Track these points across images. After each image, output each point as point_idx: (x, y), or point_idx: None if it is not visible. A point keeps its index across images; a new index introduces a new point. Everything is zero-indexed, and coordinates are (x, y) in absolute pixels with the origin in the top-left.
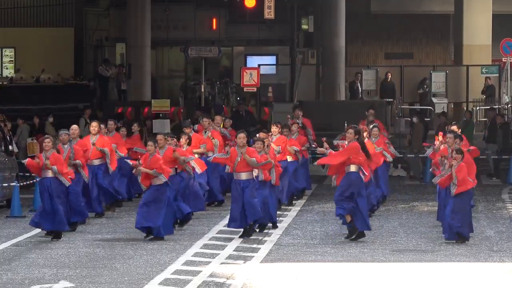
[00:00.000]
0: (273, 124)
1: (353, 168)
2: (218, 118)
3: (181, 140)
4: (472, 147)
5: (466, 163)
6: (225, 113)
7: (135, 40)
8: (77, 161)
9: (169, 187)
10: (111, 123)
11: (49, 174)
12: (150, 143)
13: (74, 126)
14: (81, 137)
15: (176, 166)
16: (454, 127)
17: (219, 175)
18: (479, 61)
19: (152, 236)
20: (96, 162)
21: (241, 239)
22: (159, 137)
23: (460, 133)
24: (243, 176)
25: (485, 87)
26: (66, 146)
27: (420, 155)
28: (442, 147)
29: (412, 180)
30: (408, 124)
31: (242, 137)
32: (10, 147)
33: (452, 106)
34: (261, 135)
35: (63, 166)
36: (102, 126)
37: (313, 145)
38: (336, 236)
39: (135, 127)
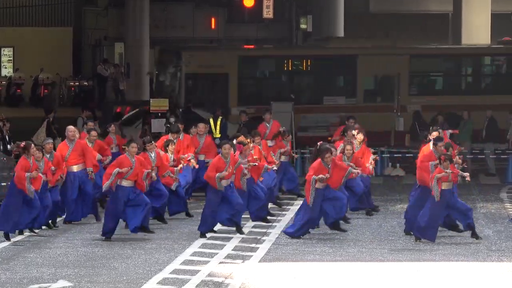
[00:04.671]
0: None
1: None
2: (201, 126)
3: (169, 147)
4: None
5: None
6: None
7: (134, 40)
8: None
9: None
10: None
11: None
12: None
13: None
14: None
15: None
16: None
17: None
18: None
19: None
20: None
21: (240, 239)
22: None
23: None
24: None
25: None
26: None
27: None
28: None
29: None
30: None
31: (227, 148)
32: (9, 147)
33: None
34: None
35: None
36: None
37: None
38: (334, 236)
39: (113, 129)
